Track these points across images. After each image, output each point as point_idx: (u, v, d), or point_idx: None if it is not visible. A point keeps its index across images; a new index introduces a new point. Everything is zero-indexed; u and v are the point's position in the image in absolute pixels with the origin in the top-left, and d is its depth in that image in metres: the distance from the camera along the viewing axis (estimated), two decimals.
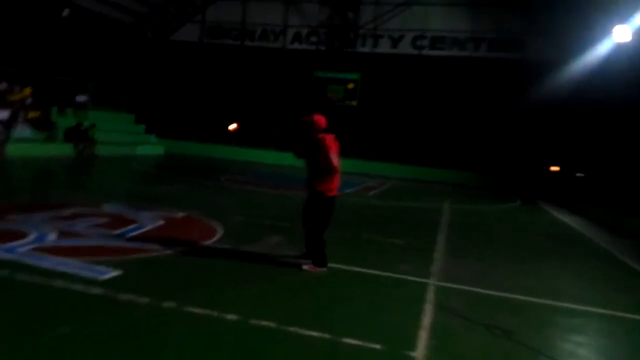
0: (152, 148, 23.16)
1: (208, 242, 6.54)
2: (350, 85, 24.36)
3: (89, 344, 3.42)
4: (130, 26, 24.57)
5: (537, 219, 13.21)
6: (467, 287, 5.65)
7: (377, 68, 23.90)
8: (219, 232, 7.15)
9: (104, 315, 3.89)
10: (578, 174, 19.68)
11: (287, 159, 23.11)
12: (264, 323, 3.98)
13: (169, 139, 24.49)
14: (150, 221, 7.32)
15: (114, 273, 4.77)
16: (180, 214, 8.19)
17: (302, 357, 3.58)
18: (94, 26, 22.07)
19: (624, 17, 13.46)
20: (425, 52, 23.70)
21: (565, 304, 5.45)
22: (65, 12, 19.85)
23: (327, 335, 3.87)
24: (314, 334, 3.89)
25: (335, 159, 5.55)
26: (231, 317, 4.03)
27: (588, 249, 9.28)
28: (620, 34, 13.61)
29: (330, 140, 5.63)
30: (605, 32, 14.86)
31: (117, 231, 6.53)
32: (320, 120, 5.74)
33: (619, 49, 14.69)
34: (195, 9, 25.90)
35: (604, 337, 4.71)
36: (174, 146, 24.23)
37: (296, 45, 25.14)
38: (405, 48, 23.91)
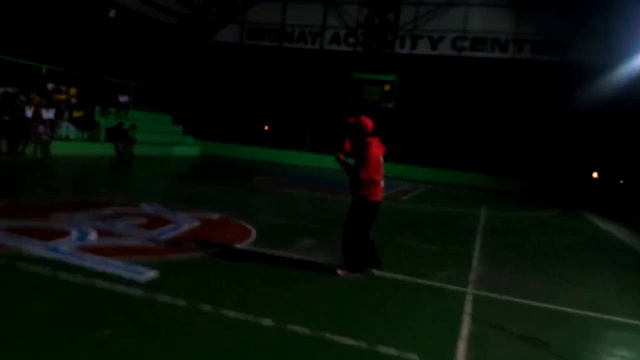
0: (189, 149, 23.62)
1: (242, 244, 6.58)
2: (387, 87, 24.19)
3: (129, 346, 3.47)
4: (173, 27, 25.12)
5: (578, 227, 12.73)
6: (505, 297, 5.48)
7: (415, 70, 23.64)
8: (253, 234, 7.19)
9: (143, 317, 3.95)
10: (620, 181, 18.92)
11: (321, 161, 23.36)
12: (299, 329, 3.96)
13: (205, 140, 24.92)
14: (186, 222, 7.43)
15: (152, 274, 4.85)
16: (216, 215, 8.28)
17: None
18: (138, 27, 22.67)
19: None
20: (465, 53, 23.29)
21: (607, 316, 5.22)
22: (112, 13, 20.45)
23: (362, 344, 3.81)
24: (350, 341, 3.84)
25: (377, 166, 5.47)
26: (267, 321, 4.03)
27: (632, 258, 8.87)
28: None
29: (376, 144, 5.54)
30: None
31: (155, 231, 6.65)
32: (368, 122, 5.61)
33: None
34: (236, 10, 26.25)
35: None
36: (210, 147, 24.64)
37: (334, 47, 25.15)
38: (444, 49, 23.56)
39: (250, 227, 7.63)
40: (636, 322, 5.20)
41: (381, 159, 5.59)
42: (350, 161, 5.60)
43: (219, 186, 13.16)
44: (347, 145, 5.69)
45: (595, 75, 19.03)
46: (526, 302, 5.39)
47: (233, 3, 25.94)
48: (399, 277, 5.85)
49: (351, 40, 24.86)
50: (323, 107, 24.74)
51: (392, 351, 3.74)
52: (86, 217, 6.98)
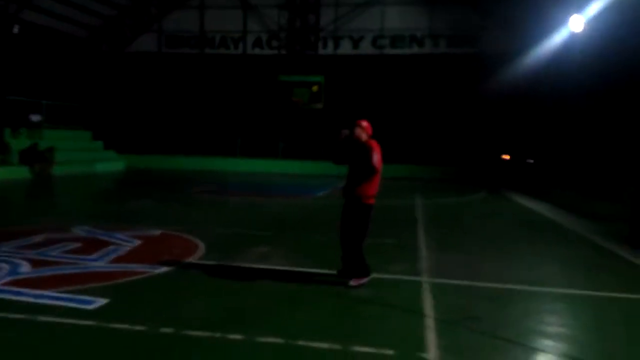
0: (112, 164, 22.40)
1: (193, 259, 6.31)
2: (315, 88, 24.35)
3: None
4: (84, 40, 23.74)
5: (506, 207, 13.51)
6: (458, 282, 5.68)
7: (340, 69, 23.99)
8: (202, 247, 6.92)
9: (101, 347, 3.65)
10: (530, 161, 20.40)
11: (253, 166, 23.10)
12: (272, 340, 3.83)
13: (130, 153, 23.77)
14: (126, 242, 7.00)
15: (102, 301, 4.50)
16: (157, 232, 7.88)
17: None
18: (46, 42, 21.22)
19: (578, 7, 13.93)
20: (386, 51, 23.96)
21: (550, 289, 5.56)
22: (15, 29, 18.94)
23: (337, 346, 3.76)
24: (324, 345, 3.77)
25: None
26: (234, 336, 3.86)
27: (558, 232, 9.56)
28: (575, 24, 14.08)
29: (377, 146, 5.50)
30: (560, 22, 15.35)
31: (94, 255, 6.20)
32: (369, 125, 5.58)
33: (573, 39, 15.22)
34: (150, 19, 25.29)
35: (591, 315, 4.79)
36: (136, 160, 23.54)
37: (257, 51, 24.93)
38: (366, 48, 24.12)
39: (196, 240, 7.34)
40: (577, 291, 5.60)
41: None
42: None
43: (152, 200, 12.57)
44: (341, 153, 5.64)
45: (507, 63, 20.27)
46: (479, 284, 5.60)
47: (147, 12, 24.95)
48: None
49: (274, 43, 24.75)
50: (253, 112, 24.47)
51: (368, 349, 3.72)
52: (14, 248, 6.37)
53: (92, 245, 6.71)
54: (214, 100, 24.96)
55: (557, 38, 16.26)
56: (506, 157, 22.09)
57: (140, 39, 25.65)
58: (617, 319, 4.76)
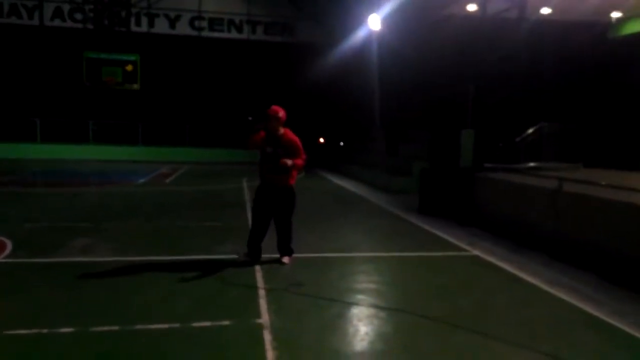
0: None
1: None
2: (129, 67, 22.78)
3: None
4: None
5: (323, 186, 14.85)
6: None
7: (157, 49, 22.85)
8: (8, 245, 6.22)
9: None
10: (341, 144, 22.66)
11: (57, 152, 20.71)
12: (106, 328, 3.81)
13: None
14: None
15: None
16: None
17: (160, 347, 3.57)
18: None
19: (377, 6, 15.70)
20: (205, 33, 23.58)
21: (360, 254, 6.55)
22: None
23: (176, 325, 3.92)
24: (163, 326, 3.90)
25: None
26: (65, 330, 3.74)
27: (366, 205, 11.01)
28: (373, 22, 15.87)
29: (292, 133, 5.61)
30: (362, 20, 17.12)
31: None
32: (285, 114, 5.57)
33: (373, 36, 17.14)
34: None
35: (392, 272, 5.84)
36: None
37: (58, 23, 22.14)
38: (184, 29, 23.38)
39: (0, 237, 6.55)
40: (382, 254, 6.67)
41: None
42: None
43: None
44: (257, 138, 5.66)
45: (318, 54, 21.80)
46: (302, 255, 6.24)
47: None
48: (189, 257, 6.01)
49: (78, 16, 22.31)
50: (54, 91, 21.82)
51: (206, 324, 3.98)
52: None
53: None
54: (5, 77, 21.56)
55: (360, 34, 18.12)
56: (321, 140, 23.93)
57: None
58: (409, 272, 5.88)
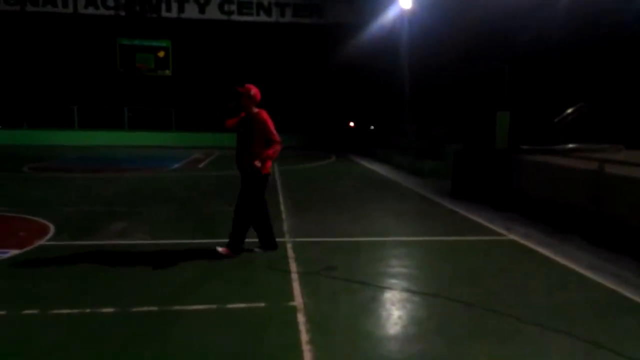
0: None
1: (42, 241, 5.90)
2: (161, 54, 23.10)
3: None
4: None
5: (354, 170, 14.81)
6: (316, 239, 6.31)
7: (187, 35, 23.06)
8: (51, 228, 6.47)
9: None
10: (371, 127, 22.46)
11: (93, 138, 21.29)
12: (145, 309, 3.93)
13: None
14: None
15: None
16: None
17: (198, 327, 3.66)
18: None
19: None
20: (234, 17, 23.61)
21: (392, 238, 6.50)
22: None
23: (212, 307, 4.01)
24: (200, 307, 3.99)
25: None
26: (108, 309, 3.88)
27: (397, 189, 10.91)
28: (404, 0, 15.52)
29: (266, 114, 5.35)
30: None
31: None
32: (257, 92, 5.35)
33: (404, 15, 16.79)
34: None
35: (424, 256, 5.79)
36: None
37: (91, 10, 22.58)
38: (213, 13, 23.46)
39: (43, 220, 6.83)
40: (414, 238, 6.61)
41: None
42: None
43: None
44: (234, 119, 5.51)
45: (348, 35, 21.57)
46: (334, 239, 6.27)
47: None
48: (218, 241, 6.10)
49: (110, 3, 22.67)
50: (90, 79, 22.37)
51: (242, 305, 4.05)
52: None
53: None
54: (42, 66, 22.20)
55: (390, 13, 17.78)
56: (352, 124, 23.83)
57: None
58: (442, 257, 5.81)
